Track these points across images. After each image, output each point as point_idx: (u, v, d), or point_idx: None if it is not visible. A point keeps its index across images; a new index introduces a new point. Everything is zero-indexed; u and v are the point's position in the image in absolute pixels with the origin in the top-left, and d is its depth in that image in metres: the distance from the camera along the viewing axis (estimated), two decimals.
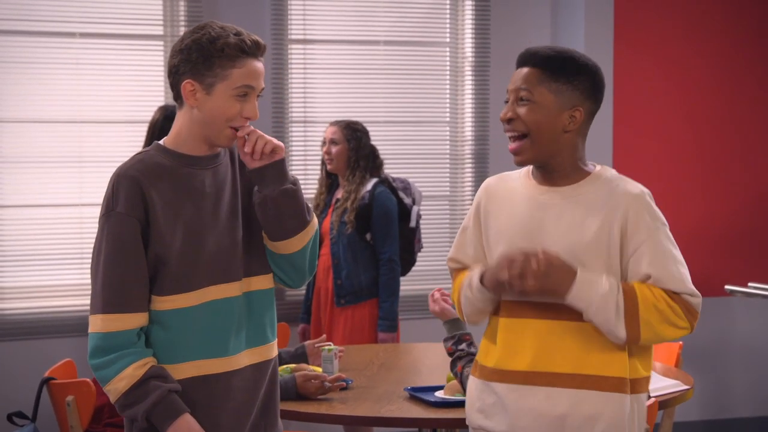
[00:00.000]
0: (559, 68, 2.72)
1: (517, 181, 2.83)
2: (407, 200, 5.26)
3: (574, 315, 2.68)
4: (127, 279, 2.59)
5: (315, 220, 2.78)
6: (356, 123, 5.31)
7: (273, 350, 2.81)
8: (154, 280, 2.64)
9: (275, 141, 2.66)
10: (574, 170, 2.76)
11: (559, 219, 2.71)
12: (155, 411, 2.58)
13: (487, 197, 2.85)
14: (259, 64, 2.65)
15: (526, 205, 2.76)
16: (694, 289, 2.69)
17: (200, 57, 2.60)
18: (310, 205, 2.78)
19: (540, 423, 2.71)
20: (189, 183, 2.66)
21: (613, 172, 2.79)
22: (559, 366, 2.70)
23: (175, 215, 2.63)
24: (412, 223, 5.28)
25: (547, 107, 2.71)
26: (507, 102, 2.76)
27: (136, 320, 2.60)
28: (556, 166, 2.75)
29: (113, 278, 2.59)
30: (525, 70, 2.75)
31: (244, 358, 2.72)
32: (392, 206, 5.22)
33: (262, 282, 2.77)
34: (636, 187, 2.74)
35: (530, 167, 2.83)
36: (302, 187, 6.03)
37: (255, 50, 2.63)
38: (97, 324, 2.60)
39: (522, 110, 2.72)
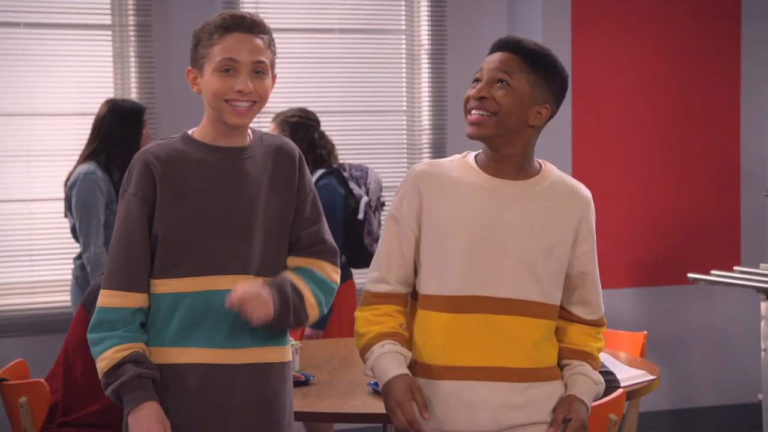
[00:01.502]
0: (539, 61, 2.70)
1: (458, 171, 2.76)
2: (357, 191, 5.13)
3: (524, 310, 2.70)
4: (129, 258, 2.67)
5: (315, 313, 2.78)
6: (293, 114, 5.13)
7: (278, 355, 2.77)
8: (153, 261, 2.69)
9: (261, 314, 2.62)
10: (525, 165, 2.74)
11: (520, 214, 2.70)
12: (121, 392, 2.64)
13: (427, 184, 2.75)
14: (243, 37, 2.65)
15: (478, 196, 2.71)
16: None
17: (193, 44, 2.70)
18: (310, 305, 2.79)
19: (496, 416, 2.69)
20: (203, 171, 2.69)
21: (557, 169, 2.81)
22: (517, 361, 2.70)
23: (181, 199, 2.67)
24: (360, 216, 5.15)
25: (521, 95, 2.68)
26: (477, 81, 2.71)
27: (132, 299, 2.67)
28: (510, 156, 2.72)
29: (116, 256, 2.69)
30: (505, 54, 2.70)
31: (240, 356, 2.71)
32: (335, 198, 5.06)
33: None
34: (586, 190, 2.81)
35: (469, 157, 2.78)
36: None
37: (238, 25, 2.65)
38: (99, 298, 2.70)
39: (498, 92, 2.67)
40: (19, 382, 3.74)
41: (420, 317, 2.76)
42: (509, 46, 2.71)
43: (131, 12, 5.71)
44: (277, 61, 2.78)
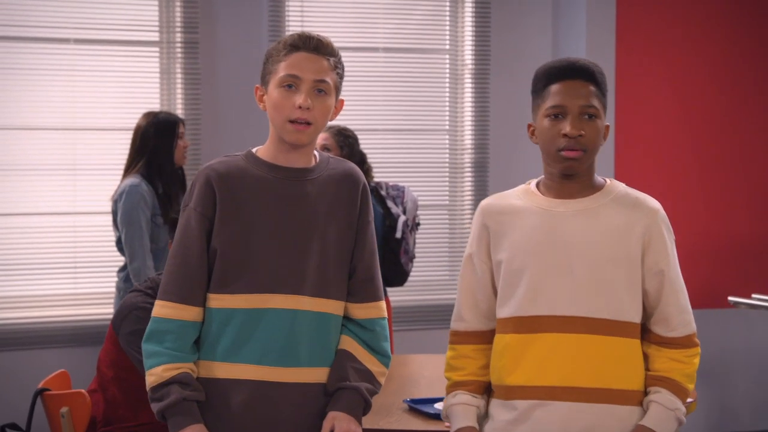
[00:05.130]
0: (604, 84, 2.73)
1: (520, 199, 2.78)
2: (395, 210, 5.15)
3: (598, 328, 2.66)
4: (185, 271, 2.69)
5: (384, 375, 2.83)
6: (347, 129, 5.20)
7: (306, 375, 2.75)
8: (211, 275, 2.71)
9: None
10: (589, 183, 2.75)
11: (580, 229, 2.69)
12: (167, 413, 2.65)
13: (491, 216, 2.79)
14: (309, 56, 2.70)
15: (539, 218, 2.72)
16: (694, 324, 2.76)
17: (264, 62, 2.76)
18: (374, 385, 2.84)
19: None
20: (262, 189, 2.71)
21: (624, 185, 2.79)
22: (583, 380, 2.66)
23: (238, 216, 2.69)
24: (398, 234, 5.16)
25: (601, 123, 2.71)
26: (560, 116, 2.68)
27: (185, 312, 2.69)
28: (580, 178, 2.73)
29: (172, 268, 2.71)
30: (585, 84, 2.70)
31: (291, 375, 2.71)
32: (374, 217, 5.07)
33: (328, 306, 2.76)
34: (654, 201, 2.75)
35: (532, 184, 2.81)
36: None
37: (304, 44, 2.71)
38: (154, 308, 2.73)
39: (588, 127, 2.68)
40: (61, 392, 3.77)
41: (494, 340, 2.79)
42: (584, 73, 2.70)
43: (178, 29, 5.77)
44: None
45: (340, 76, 2.77)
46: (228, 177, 2.71)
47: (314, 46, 2.71)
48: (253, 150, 2.79)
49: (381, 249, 5.07)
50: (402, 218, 5.12)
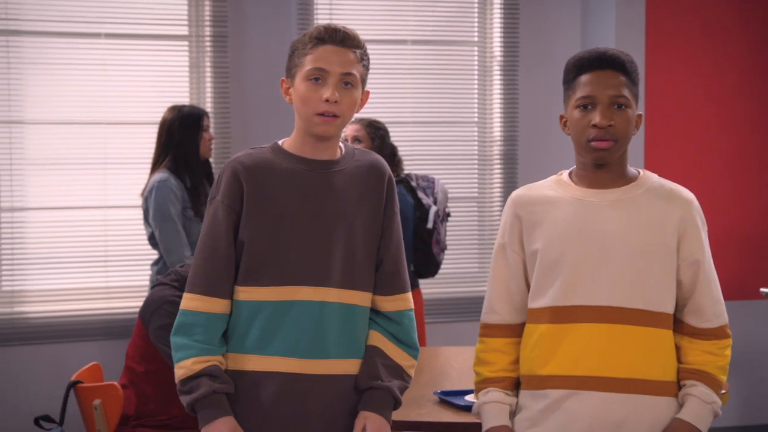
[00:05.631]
0: (635, 73, 2.72)
1: (553, 189, 2.78)
2: (426, 200, 5.15)
3: (633, 319, 2.66)
4: (212, 264, 2.69)
5: (414, 368, 2.85)
6: (378, 121, 5.22)
7: (335, 366, 2.76)
8: (237, 268, 2.72)
9: None
10: (622, 173, 2.75)
11: (616, 220, 2.69)
12: (197, 406, 2.67)
13: (524, 206, 2.79)
14: (335, 49, 2.70)
15: (574, 207, 2.72)
16: (726, 315, 2.77)
17: (289, 54, 2.75)
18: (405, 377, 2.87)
19: (594, 429, 2.66)
20: (289, 181, 2.72)
21: (657, 176, 2.79)
22: (617, 371, 2.67)
23: (265, 209, 2.70)
24: (429, 225, 5.16)
25: (632, 113, 2.70)
26: (590, 106, 2.69)
27: (213, 304, 2.69)
28: (613, 167, 2.73)
29: (200, 261, 2.71)
30: (614, 74, 2.70)
31: (320, 366, 2.72)
32: (405, 208, 5.08)
33: (355, 297, 2.77)
34: (688, 192, 2.76)
35: (564, 175, 2.81)
36: None
37: (331, 37, 2.71)
38: (182, 301, 2.73)
39: (618, 117, 2.68)
40: (94, 384, 3.80)
41: (524, 331, 2.79)
42: (614, 63, 2.70)
43: (208, 23, 5.80)
44: None
45: (366, 68, 2.78)
46: (255, 169, 2.71)
47: (340, 38, 2.71)
48: (279, 142, 2.79)
49: (412, 240, 5.08)
50: (433, 209, 5.12)
